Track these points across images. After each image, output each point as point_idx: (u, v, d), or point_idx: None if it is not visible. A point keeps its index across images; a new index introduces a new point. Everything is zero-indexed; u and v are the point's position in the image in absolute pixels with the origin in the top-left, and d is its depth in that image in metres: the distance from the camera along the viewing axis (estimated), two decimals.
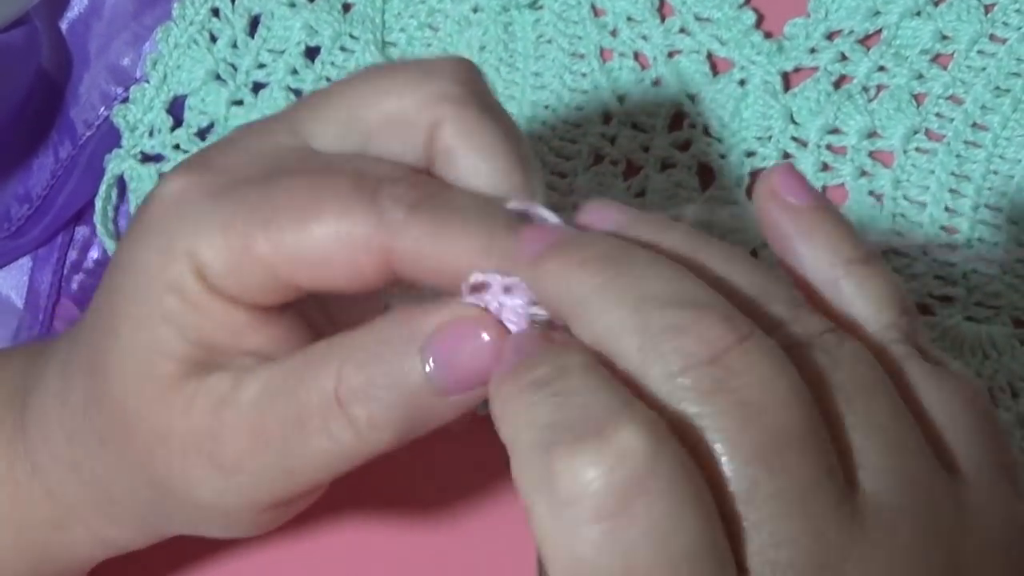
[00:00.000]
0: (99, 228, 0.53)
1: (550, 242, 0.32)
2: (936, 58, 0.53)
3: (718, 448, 0.29)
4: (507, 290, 0.33)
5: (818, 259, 0.35)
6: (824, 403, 0.30)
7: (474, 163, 0.35)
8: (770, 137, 0.53)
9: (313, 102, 0.37)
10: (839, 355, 0.31)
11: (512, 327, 0.34)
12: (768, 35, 0.53)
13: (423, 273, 0.34)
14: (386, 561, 0.50)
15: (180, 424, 0.35)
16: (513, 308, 0.33)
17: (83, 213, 0.55)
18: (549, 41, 0.54)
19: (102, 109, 0.54)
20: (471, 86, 0.36)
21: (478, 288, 0.34)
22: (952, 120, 0.53)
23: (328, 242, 0.33)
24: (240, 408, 0.35)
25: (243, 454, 0.35)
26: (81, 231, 0.55)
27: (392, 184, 0.34)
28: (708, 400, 0.29)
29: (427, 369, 0.33)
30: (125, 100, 0.54)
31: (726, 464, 0.29)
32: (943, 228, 0.52)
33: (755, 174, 0.53)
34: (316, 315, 0.38)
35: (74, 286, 0.54)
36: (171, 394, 0.35)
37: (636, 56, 0.54)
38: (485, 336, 0.33)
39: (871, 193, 0.52)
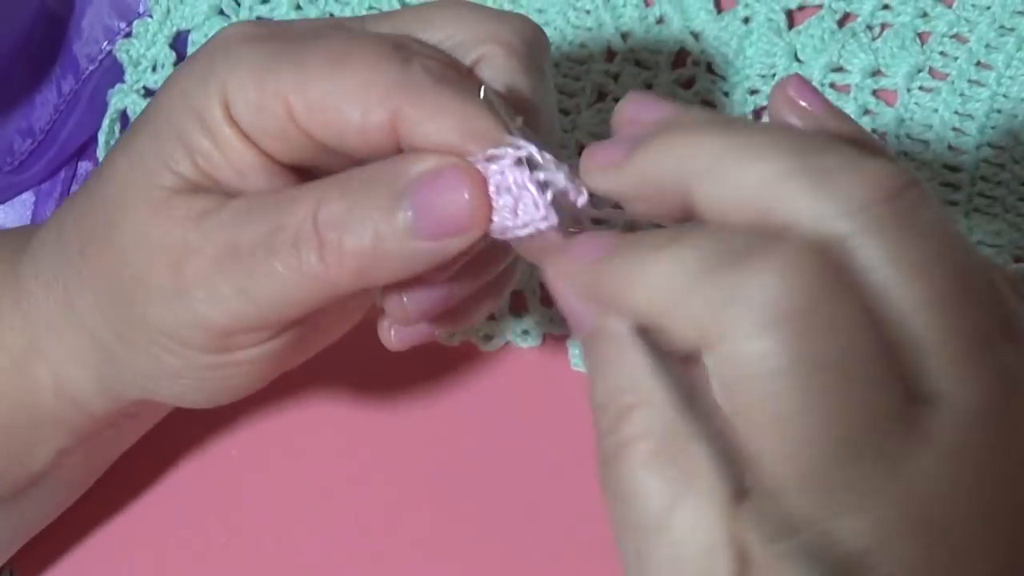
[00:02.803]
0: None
1: (623, 146, 0.33)
2: None
3: (895, 282, 0.29)
4: (519, 162, 0.34)
5: None
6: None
7: (515, 102, 0.37)
8: (774, 75, 0.53)
9: (385, 14, 0.40)
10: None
11: (508, 196, 0.35)
12: None
13: (427, 141, 0.35)
14: (384, 472, 0.51)
15: (156, 229, 0.37)
16: (518, 180, 0.35)
17: (86, 148, 0.55)
18: None
19: (105, 43, 0.54)
20: (529, 43, 0.38)
21: (491, 158, 0.35)
22: (956, 59, 0.52)
23: (349, 88, 0.35)
24: (217, 221, 0.36)
25: (205, 267, 0.36)
26: (84, 166, 0.55)
27: (428, 57, 0.36)
28: (889, 233, 0.29)
29: (405, 211, 0.35)
30: (128, 35, 0.54)
31: (903, 299, 0.29)
32: (946, 166, 0.52)
33: (759, 112, 0.53)
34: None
35: None
36: (159, 202, 0.37)
37: None
38: (466, 194, 0.34)
39: (874, 131, 0.52)
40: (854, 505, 0.28)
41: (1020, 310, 0.31)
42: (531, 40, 0.38)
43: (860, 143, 0.33)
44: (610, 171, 0.33)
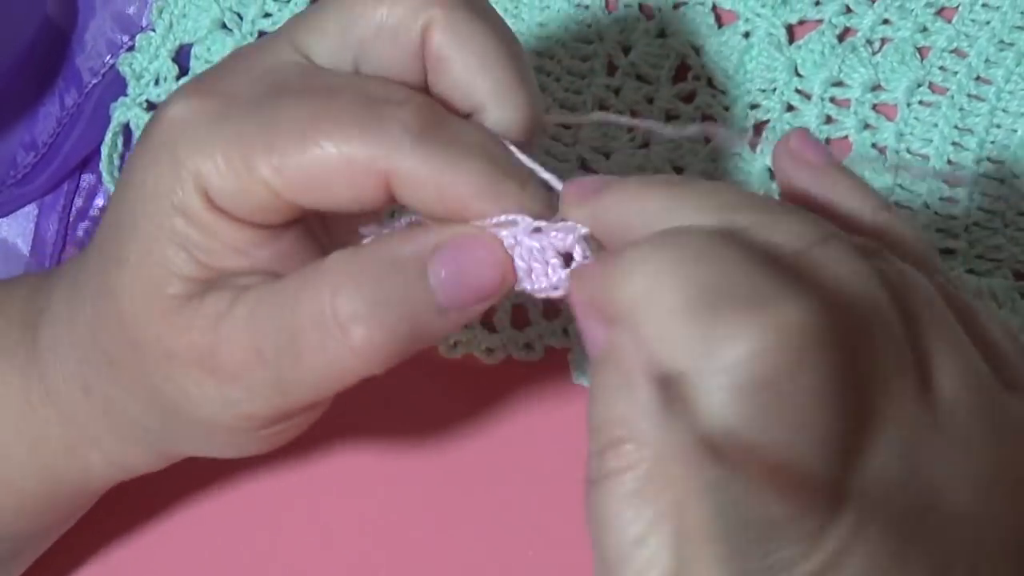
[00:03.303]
0: (105, 176, 0.53)
1: (597, 184, 0.34)
2: (940, 11, 0.53)
3: None
4: (533, 231, 0.35)
5: (842, 208, 0.36)
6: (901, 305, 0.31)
7: (466, 67, 0.36)
8: (774, 89, 0.53)
9: (308, 15, 0.38)
10: (902, 267, 0.32)
11: (521, 264, 0.35)
12: None
13: (422, 201, 0.35)
14: (387, 483, 0.51)
15: (182, 342, 0.36)
16: (530, 248, 0.35)
17: (89, 161, 0.55)
18: None
19: (108, 57, 0.54)
20: None
21: (502, 225, 0.35)
22: (956, 73, 0.53)
23: (330, 164, 0.34)
24: (236, 321, 0.36)
25: (239, 368, 0.36)
26: (87, 179, 0.55)
27: (397, 107, 0.35)
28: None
29: (430, 283, 0.34)
30: (131, 48, 0.54)
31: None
32: (945, 181, 0.52)
33: (759, 126, 0.53)
34: (319, 231, 0.39)
35: (80, 233, 0.54)
36: (175, 314, 0.36)
37: (641, 7, 0.54)
38: (490, 261, 0.34)
39: (874, 146, 0.52)
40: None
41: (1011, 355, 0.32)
42: None
43: (842, 210, 0.35)
44: (582, 205, 0.34)
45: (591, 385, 0.32)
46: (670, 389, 0.29)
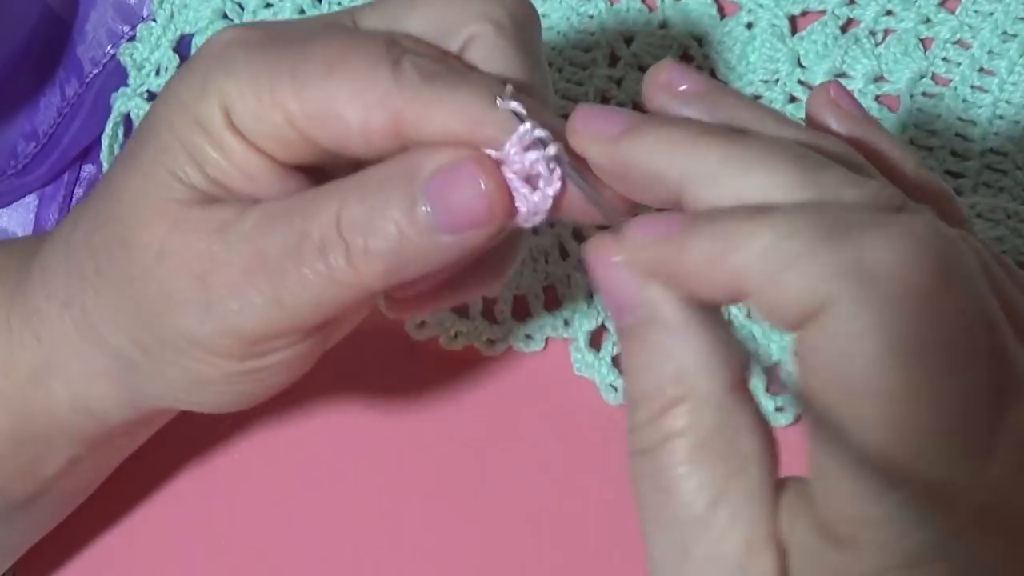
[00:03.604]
0: (105, 166, 0.53)
1: (622, 121, 0.33)
2: (943, 2, 0.53)
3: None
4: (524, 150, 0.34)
5: (888, 159, 0.35)
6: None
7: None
8: (777, 80, 0.53)
9: (376, 1, 0.39)
10: (973, 240, 0.32)
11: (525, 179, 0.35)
12: None
13: (427, 134, 0.35)
14: (386, 474, 0.51)
15: (178, 243, 0.37)
16: (538, 160, 0.34)
17: (89, 151, 0.55)
18: None
19: (109, 47, 0.54)
20: (520, 22, 0.38)
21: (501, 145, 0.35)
22: (959, 65, 0.53)
23: (345, 95, 0.35)
24: (240, 231, 0.36)
25: (235, 278, 0.36)
26: (87, 169, 0.55)
27: (416, 54, 0.36)
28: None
29: (424, 208, 0.35)
30: (132, 39, 0.54)
31: None
32: (948, 173, 0.52)
33: None
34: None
35: None
36: (176, 215, 0.37)
37: None
38: (483, 184, 0.34)
39: None
40: (936, 496, 0.28)
41: None
42: (520, 17, 0.38)
43: (874, 152, 0.34)
44: (600, 142, 0.33)
45: (626, 359, 0.31)
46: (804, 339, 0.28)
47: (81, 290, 0.39)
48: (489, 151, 0.35)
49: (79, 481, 0.46)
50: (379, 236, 0.35)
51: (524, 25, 0.38)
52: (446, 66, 0.36)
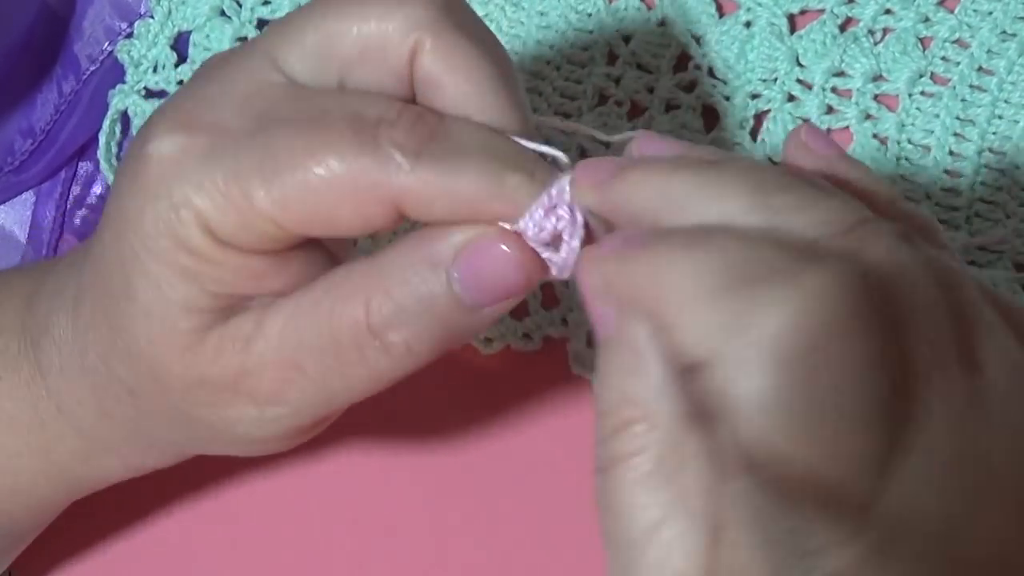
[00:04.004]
0: (102, 163, 0.53)
1: (611, 167, 0.33)
2: (943, 1, 0.53)
3: None
4: (547, 213, 0.34)
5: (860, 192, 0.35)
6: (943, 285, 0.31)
7: (457, 89, 0.35)
8: (775, 79, 0.53)
9: (286, 31, 0.36)
10: (936, 252, 0.32)
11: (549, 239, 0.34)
12: None
13: (436, 216, 0.34)
14: (384, 474, 0.51)
15: (212, 371, 0.36)
16: (555, 222, 0.34)
17: (86, 148, 0.55)
18: None
19: (106, 44, 0.54)
20: (446, 6, 0.35)
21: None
22: (958, 64, 0.52)
23: (333, 197, 0.33)
24: (269, 341, 0.35)
25: (280, 386, 0.36)
26: (84, 166, 0.55)
27: (390, 127, 0.34)
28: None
29: (454, 288, 0.34)
30: (129, 35, 0.54)
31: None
32: (947, 172, 0.52)
33: (760, 116, 0.53)
34: (331, 240, 0.38)
35: (77, 221, 0.54)
36: (198, 345, 0.36)
37: None
38: (504, 247, 0.34)
39: (875, 136, 0.52)
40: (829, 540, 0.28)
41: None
42: (444, 1, 0.36)
43: (863, 192, 0.34)
44: (594, 189, 0.34)
45: (599, 369, 0.31)
46: (695, 386, 0.29)
47: (118, 407, 0.39)
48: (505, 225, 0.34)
49: None
50: (416, 330, 0.35)
51: (451, 5, 0.36)
52: (426, 127, 0.34)
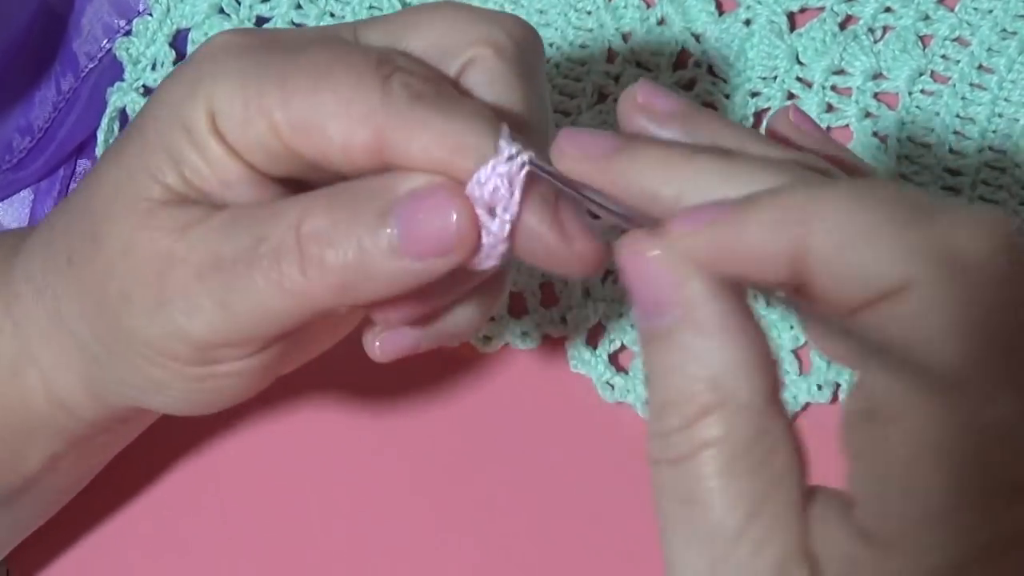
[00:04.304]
0: None
1: (613, 142, 0.33)
2: None
3: None
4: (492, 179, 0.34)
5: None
6: None
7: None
8: (775, 77, 0.53)
9: (375, 18, 0.39)
10: None
11: (494, 214, 0.34)
12: None
13: (410, 157, 0.35)
14: (381, 471, 0.51)
15: (143, 240, 0.37)
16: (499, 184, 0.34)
17: (85, 146, 0.55)
18: None
19: (105, 42, 0.54)
20: (520, 44, 0.37)
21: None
22: (958, 62, 0.52)
23: (331, 107, 0.35)
24: (201, 232, 0.36)
25: (188, 280, 0.36)
26: (83, 164, 0.55)
27: (408, 73, 0.35)
28: None
29: (391, 229, 0.34)
30: (128, 33, 0.54)
31: None
32: (947, 170, 0.52)
33: (760, 114, 0.53)
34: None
35: None
36: (145, 213, 0.37)
37: None
38: (453, 214, 0.34)
39: (875, 135, 0.52)
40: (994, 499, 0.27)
41: None
42: (522, 41, 0.38)
43: (848, 166, 0.34)
44: (591, 161, 0.33)
45: (651, 364, 0.30)
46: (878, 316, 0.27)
47: (55, 278, 0.39)
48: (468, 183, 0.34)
49: (63, 479, 0.46)
50: (338, 249, 0.34)
51: (526, 49, 0.38)
52: (436, 88, 0.35)
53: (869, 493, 0.28)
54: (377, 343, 0.40)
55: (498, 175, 0.34)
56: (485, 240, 0.34)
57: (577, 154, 0.33)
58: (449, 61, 0.37)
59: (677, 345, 0.30)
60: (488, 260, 0.35)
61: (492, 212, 0.34)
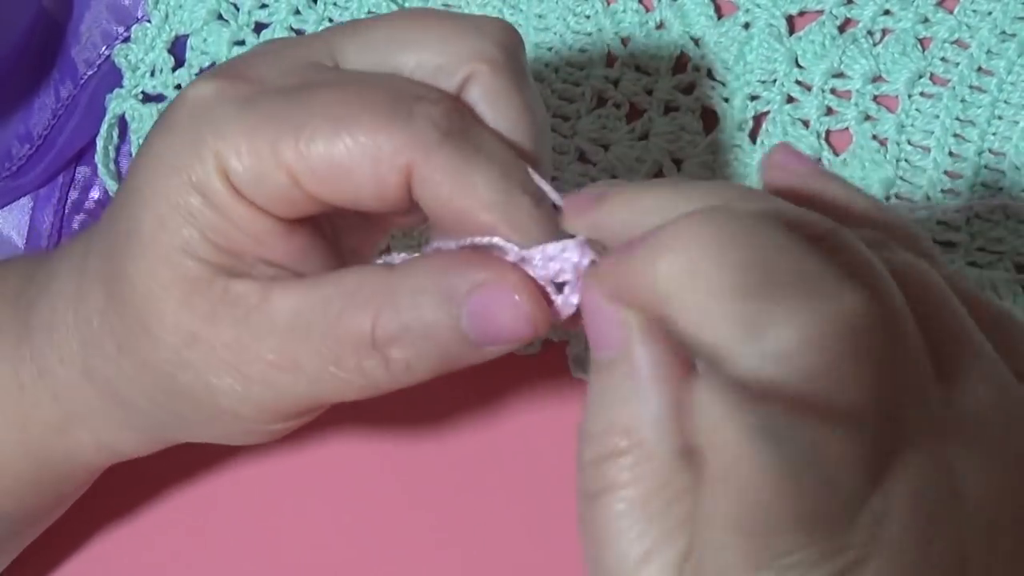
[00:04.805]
0: (100, 168, 0.53)
1: (593, 194, 0.33)
2: (942, 2, 0.53)
3: None
4: (522, 260, 0.34)
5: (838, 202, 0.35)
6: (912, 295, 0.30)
7: (495, 123, 0.36)
8: (774, 81, 0.53)
9: (353, 30, 0.37)
10: (910, 259, 0.31)
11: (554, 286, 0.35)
12: None
13: (436, 201, 0.34)
14: (384, 477, 0.51)
15: (206, 331, 0.36)
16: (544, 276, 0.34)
17: (84, 153, 0.55)
18: None
19: (103, 48, 0.54)
20: (510, 51, 0.37)
21: (494, 247, 0.35)
22: (957, 65, 0.52)
23: (356, 153, 0.34)
24: (273, 322, 0.35)
25: (271, 371, 0.36)
26: (82, 171, 0.55)
27: (430, 104, 0.34)
28: None
29: (462, 324, 0.34)
30: (126, 39, 0.54)
31: None
32: (947, 173, 0.52)
33: (759, 118, 0.53)
34: (327, 230, 0.39)
35: (75, 226, 0.54)
36: (196, 297, 0.36)
37: None
38: (517, 298, 0.34)
39: (875, 138, 0.52)
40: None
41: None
42: (511, 47, 0.37)
43: (835, 204, 0.34)
44: (581, 216, 0.34)
45: (591, 390, 0.31)
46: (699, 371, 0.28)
47: (103, 365, 0.39)
48: (512, 246, 0.34)
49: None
50: (418, 353, 0.35)
51: (515, 56, 0.38)
52: (462, 120, 0.35)
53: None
54: None
55: (555, 265, 0.34)
56: (559, 313, 0.35)
57: (574, 215, 0.34)
58: (444, 78, 0.36)
59: (608, 382, 0.30)
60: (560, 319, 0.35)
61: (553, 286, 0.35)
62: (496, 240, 0.34)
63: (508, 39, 0.37)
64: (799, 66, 0.53)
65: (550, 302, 0.34)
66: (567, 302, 0.34)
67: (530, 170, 0.36)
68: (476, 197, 0.34)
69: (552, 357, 0.51)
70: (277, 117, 0.34)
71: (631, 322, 0.30)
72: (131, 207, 0.36)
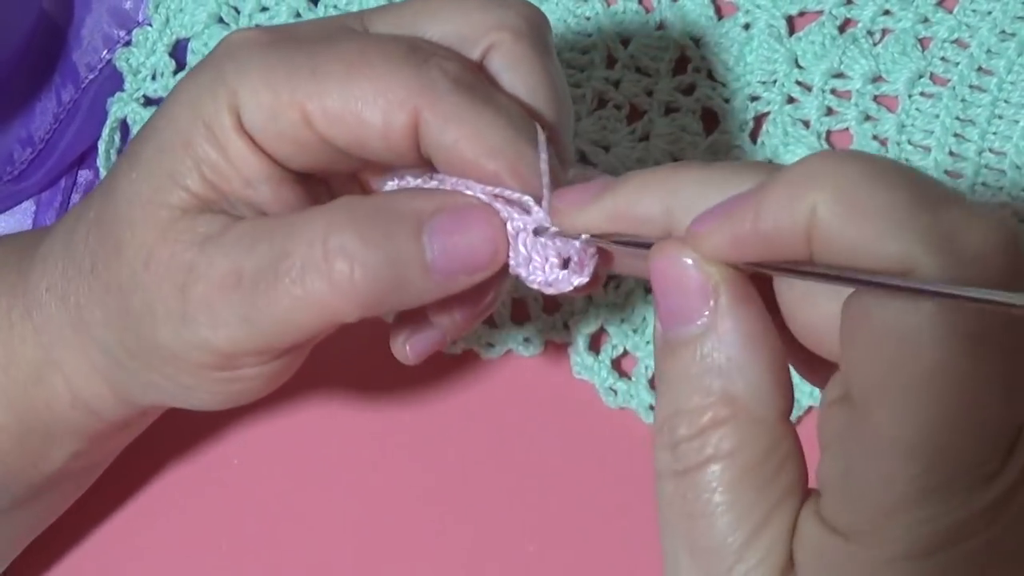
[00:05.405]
0: (102, 171, 0.53)
1: (594, 187, 0.34)
2: (941, 1, 0.53)
3: None
4: (524, 210, 0.35)
5: None
6: None
7: (513, 89, 0.37)
8: (775, 81, 0.53)
9: (385, 8, 0.39)
10: None
11: (522, 250, 0.35)
12: None
13: (443, 147, 0.35)
14: (386, 476, 0.51)
15: (164, 252, 0.36)
16: (535, 241, 0.35)
17: (86, 156, 0.55)
18: None
19: (104, 52, 0.54)
20: (533, 24, 0.38)
21: (512, 202, 0.35)
22: (957, 64, 0.52)
23: (368, 93, 0.35)
24: (221, 245, 0.36)
25: (211, 293, 0.36)
26: (84, 174, 0.55)
27: (444, 59, 0.36)
28: None
29: (423, 240, 0.35)
30: (127, 43, 0.54)
31: None
32: (947, 173, 0.52)
33: (759, 118, 0.53)
34: (323, 199, 0.39)
35: None
36: (166, 224, 0.37)
37: (640, 0, 0.54)
38: (489, 237, 0.35)
39: (875, 137, 0.52)
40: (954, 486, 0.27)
41: None
42: (535, 21, 0.38)
43: None
44: (578, 210, 0.34)
45: (668, 371, 0.30)
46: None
47: (77, 286, 0.39)
48: (538, 208, 0.35)
49: (77, 476, 0.46)
50: (368, 268, 0.35)
51: (540, 30, 0.38)
52: (475, 76, 0.36)
53: (836, 483, 0.28)
54: (408, 347, 0.40)
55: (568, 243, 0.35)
56: (540, 277, 0.36)
57: (569, 208, 0.34)
58: (468, 48, 0.37)
59: (697, 355, 0.30)
60: (546, 289, 0.36)
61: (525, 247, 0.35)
62: (526, 197, 0.35)
63: (533, 14, 0.38)
64: (799, 66, 0.53)
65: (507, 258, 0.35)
66: (551, 275, 0.35)
67: (538, 128, 0.36)
68: (481, 144, 0.35)
69: (554, 358, 0.51)
70: (297, 58, 0.36)
71: (721, 290, 0.30)
72: (144, 133, 0.38)
